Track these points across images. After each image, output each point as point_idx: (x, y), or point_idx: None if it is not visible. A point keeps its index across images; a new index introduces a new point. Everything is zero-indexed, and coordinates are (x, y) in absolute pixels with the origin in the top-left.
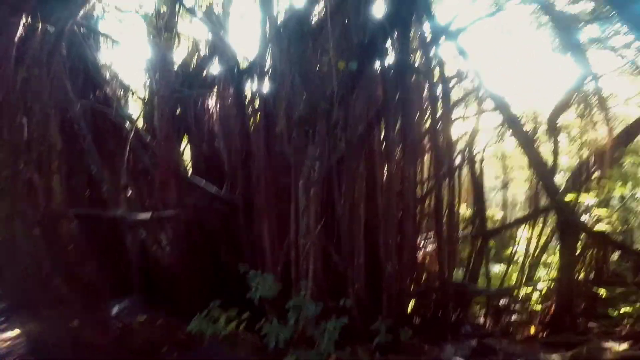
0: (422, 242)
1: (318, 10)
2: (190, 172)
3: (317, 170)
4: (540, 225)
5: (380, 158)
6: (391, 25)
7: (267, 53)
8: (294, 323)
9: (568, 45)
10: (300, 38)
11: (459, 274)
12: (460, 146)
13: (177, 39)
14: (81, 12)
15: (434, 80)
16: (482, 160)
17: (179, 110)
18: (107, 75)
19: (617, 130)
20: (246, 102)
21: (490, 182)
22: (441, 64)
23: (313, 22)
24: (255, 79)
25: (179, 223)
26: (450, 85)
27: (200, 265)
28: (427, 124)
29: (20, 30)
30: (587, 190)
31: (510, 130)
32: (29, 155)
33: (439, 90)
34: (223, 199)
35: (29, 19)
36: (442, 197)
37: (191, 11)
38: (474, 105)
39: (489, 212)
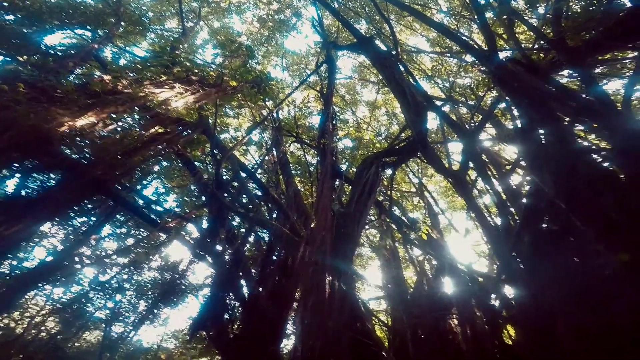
0: None
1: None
2: None
3: None
4: None
5: None
6: None
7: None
8: None
9: None
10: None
11: None
12: None
13: (403, 264)
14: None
15: None
16: None
17: (420, 332)
18: (364, 310)
19: None
20: (498, 319)
21: None
22: None
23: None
24: (502, 292)
25: None
26: None
27: None
28: None
29: None
30: None
31: None
32: None
33: None
34: None
35: None
36: None
37: (411, 241)
38: None
39: None
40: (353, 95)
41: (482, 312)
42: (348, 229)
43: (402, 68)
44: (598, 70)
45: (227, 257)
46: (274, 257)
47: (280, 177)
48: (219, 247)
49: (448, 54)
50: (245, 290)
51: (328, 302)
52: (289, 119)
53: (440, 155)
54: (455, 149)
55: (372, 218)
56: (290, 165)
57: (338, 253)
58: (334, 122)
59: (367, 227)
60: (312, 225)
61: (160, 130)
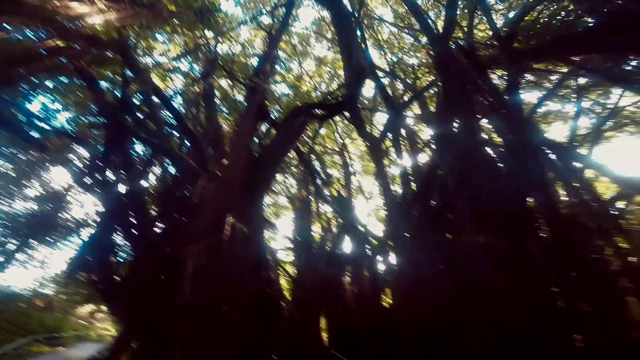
0: None
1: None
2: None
3: None
4: None
5: None
6: None
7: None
8: None
9: None
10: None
11: None
12: None
13: (313, 220)
14: None
15: None
16: None
17: (319, 286)
18: (271, 259)
19: None
20: (380, 282)
21: None
22: None
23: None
24: (388, 257)
25: None
26: None
27: None
28: None
29: None
30: None
31: None
32: None
33: None
34: None
35: None
36: None
37: (322, 196)
38: None
39: None
40: (305, 47)
41: (369, 274)
42: (263, 171)
43: (358, 32)
44: (526, 77)
45: (121, 189)
46: (179, 194)
47: (203, 110)
48: (112, 176)
49: (406, 31)
50: (139, 228)
51: (229, 245)
52: (228, 55)
53: (365, 121)
54: (381, 119)
55: (292, 168)
56: (217, 100)
57: (248, 194)
58: (274, 65)
59: (286, 175)
60: (224, 162)
61: (61, 44)
